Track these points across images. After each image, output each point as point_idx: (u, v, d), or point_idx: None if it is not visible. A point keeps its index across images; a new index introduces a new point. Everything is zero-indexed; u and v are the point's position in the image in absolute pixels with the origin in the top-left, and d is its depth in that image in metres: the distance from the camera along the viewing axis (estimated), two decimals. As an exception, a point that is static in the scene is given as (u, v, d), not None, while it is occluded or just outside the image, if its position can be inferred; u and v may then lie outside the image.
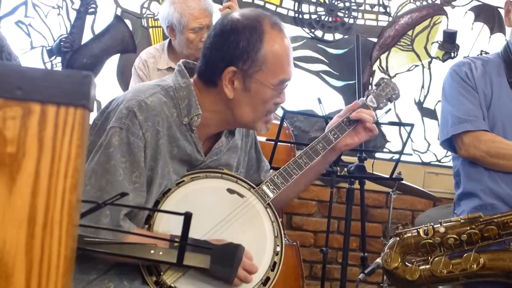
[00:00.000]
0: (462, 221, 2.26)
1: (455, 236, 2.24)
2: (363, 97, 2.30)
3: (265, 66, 1.88)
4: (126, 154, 1.79)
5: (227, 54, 1.88)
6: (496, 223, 2.23)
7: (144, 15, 4.37)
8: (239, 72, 1.88)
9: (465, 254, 2.25)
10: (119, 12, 4.31)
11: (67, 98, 0.86)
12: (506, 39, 4.62)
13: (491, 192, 2.39)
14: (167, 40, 3.56)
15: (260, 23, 1.89)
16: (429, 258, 2.28)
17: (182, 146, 1.92)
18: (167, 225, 1.85)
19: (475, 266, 2.22)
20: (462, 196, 2.50)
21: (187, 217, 1.11)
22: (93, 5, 4.18)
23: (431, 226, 2.27)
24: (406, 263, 2.31)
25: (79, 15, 4.17)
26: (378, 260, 2.80)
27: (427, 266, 2.27)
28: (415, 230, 2.29)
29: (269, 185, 2.06)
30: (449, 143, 2.48)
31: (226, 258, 1.83)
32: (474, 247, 2.25)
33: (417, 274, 2.26)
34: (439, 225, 2.27)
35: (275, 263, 1.97)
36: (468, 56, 4.67)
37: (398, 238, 2.31)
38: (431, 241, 2.26)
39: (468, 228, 2.24)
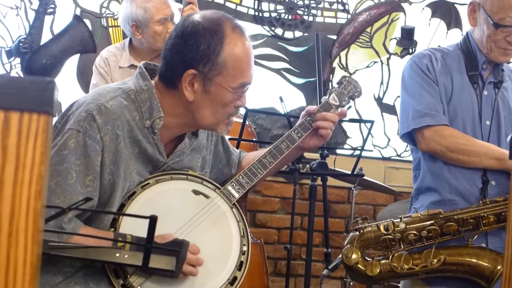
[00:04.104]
0: (421, 217, 2.30)
1: (415, 232, 2.28)
2: (325, 95, 2.32)
3: (225, 69, 1.87)
4: (82, 157, 1.77)
5: (187, 57, 1.87)
6: (456, 219, 2.27)
7: (104, 15, 4.34)
8: (199, 75, 1.87)
9: (425, 250, 2.29)
10: (78, 12, 4.26)
11: (31, 105, 0.86)
12: (462, 34, 4.74)
13: (450, 188, 2.42)
14: (128, 39, 3.55)
15: (221, 26, 1.88)
16: (389, 253, 2.31)
17: (143, 147, 1.91)
18: (133, 228, 1.84)
19: (435, 262, 2.26)
20: (421, 190, 2.52)
21: (153, 220, 1.11)
22: (52, 5, 4.13)
23: (391, 222, 2.31)
24: (366, 258, 2.34)
25: (38, 16, 4.12)
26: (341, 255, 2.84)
27: (387, 261, 2.31)
28: (375, 225, 2.33)
29: (234, 185, 2.07)
30: (409, 136, 2.49)
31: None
32: (434, 242, 2.29)
33: (377, 270, 2.30)
34: (399, 220, 2.30)
35: (241, 262, 1.98)
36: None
37: (357, 233, 2.34)
38: (391, 236, 2.30)
39: (428, 224, 2.28)
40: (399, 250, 2.31)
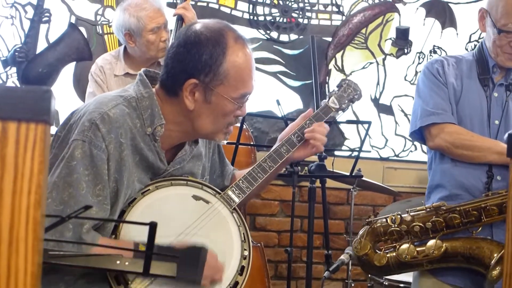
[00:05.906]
0: (427, 210, 2.40)
1: (420, 224, 2.38)
2: (322, 97, 2.33)
3: (227, 80, 1.88)
4: (89, 167, 1.77)
5: (189, 66, 1.87)
6: (458, 211, 2.36)
7: (99, 22, 4.34)
8: (200, 85, 1.87)
9: (429, 241, 2.38)
10: (73, 20, 4.26)
11: (28, 114, 0.86)
12: (457, 32, 4.75)
13: (456, 183, 2.49)
14: (122, 47, 3.55)
15: (223, 37, 1.88)
16: (397, 245, 2.42)
17: (144, 155, 1.91)
18: (134, 235, 1.84)
19: (437, 252, 2.35)
20: (432, 188, 2.61)
21: (152, 226, 1.11)
22: (47, 14, 4.12)
23: (398, 215, 2.41)
24: (376, 250, 2.44)
25: (33, 25, 4.11)
26: (342, 257, 2.86)
27: (394, 253, 2.40)
28: (384, 219, 2.43)
29: (234, 190, 2.07)
30: (419, 135, 2.59)
31: (191, 260, 1.83)
32: (439, 234, 2.37)
33: (384, 260, 2.41)
34: (406, 214, 2.41)
35: (243, 267, 1.98)
36: (421, 51, 4.77)
37: (368, 227, 2.44)
38: (398, 229, 2.40)
39: (433, 216, 2.38)
40: (406, 242, 2.41)
